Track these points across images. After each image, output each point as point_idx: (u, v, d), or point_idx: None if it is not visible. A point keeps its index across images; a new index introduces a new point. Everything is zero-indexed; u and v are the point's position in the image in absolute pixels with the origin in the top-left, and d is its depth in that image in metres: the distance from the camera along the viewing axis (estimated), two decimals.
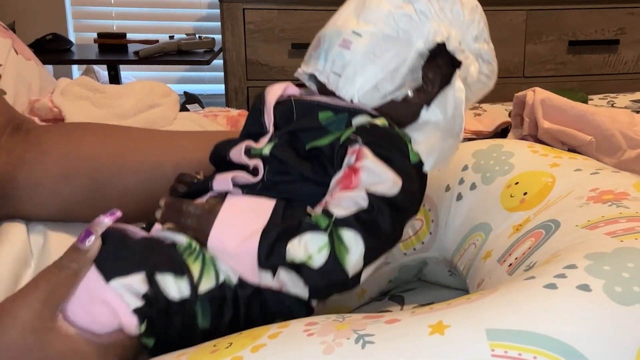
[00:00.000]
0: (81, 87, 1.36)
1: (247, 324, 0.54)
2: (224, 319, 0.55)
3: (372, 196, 0.55)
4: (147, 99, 1.39)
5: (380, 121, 0.60)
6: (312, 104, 0.63)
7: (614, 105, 1.49)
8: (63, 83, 1.36)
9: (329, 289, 0.56)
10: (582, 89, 1.80)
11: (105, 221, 0.54)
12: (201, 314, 0.54)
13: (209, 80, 2.88)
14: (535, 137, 1.12)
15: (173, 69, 2.84)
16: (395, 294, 0.83)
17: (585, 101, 1.36)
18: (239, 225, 0.55)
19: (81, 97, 1.34)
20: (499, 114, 1.38)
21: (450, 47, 0.64)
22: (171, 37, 2.43)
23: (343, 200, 0.55)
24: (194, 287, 0.54)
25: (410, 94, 0.63)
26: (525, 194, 0.71)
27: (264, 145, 0.60)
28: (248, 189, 0.59)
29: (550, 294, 0.47)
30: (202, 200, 0.60)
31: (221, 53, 2.32)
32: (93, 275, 0.53)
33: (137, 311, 0.53)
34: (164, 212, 0.58)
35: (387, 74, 0.62)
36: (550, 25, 2.27)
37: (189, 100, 2.32)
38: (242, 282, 0.55)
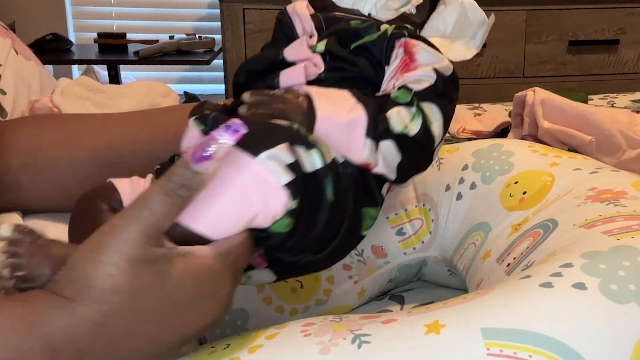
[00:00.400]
0: (81, 87, 1.36)
1: (354, 206, 0.54)
2: (342, 195, 0.53)
3: (436, 72, 0.59)
4: (147, 98, 1.39)
5: (409, 26, 0.64)
6: (336, 16, 0.65)
7: (614, 105, 1.49)
8: (63, 83, 1.36)
9: (418, 163, 0.60)
10: (582, 89, 1.80)
11: (229, 142, 0.44)
12: (330, 185, 0.51)
13: (209, 80, 2.88)
14: (535, 137, 1.12)
15: (173, 69, 2.84)
16: (395, 294, 0.83)
17: (585, 101, 1.36)
18: (334, 101, 0.55)
19: (81, 97, 1.34)
20: (499, 114, 1.38)
21: None
22: (171, 37, 2.43)
23: (413, 78, 0.59)
24: (322, 158, 0.51)
25: (413, 10, 0.68)
26: (524, 193, 0.71)
27: (316, 43, 0.61)
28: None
29: (546, 293, 0.47)
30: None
31: (221, 53, 2.32)
32: (235, 156, 0.46)
33: (287, 186, 0.48)
34: (253, 105, 0.53)
35: None
36: (550, 25, 2.27)
37: (189, 100, 2.32)
38: (346, 161, 0.54)
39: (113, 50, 2.46)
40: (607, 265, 0.49)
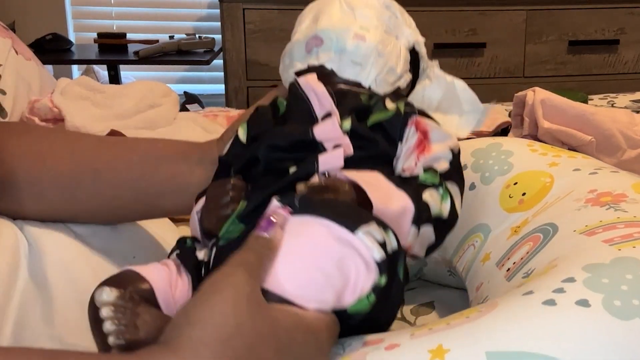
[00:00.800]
0: (81, 87, 1.36)
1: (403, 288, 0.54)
2: (405, 275, 0.54)
3: (451, 150, 0.63)
4: (147, 99, 1.39)
5: (409, 101, 0.67)
6: (343, 90, 0.67)
7: (614, 105, 1.49)
8: (63, 83, 1.36)
9: (442, 241, 0.61)
10: (582, 89, 1.80)
11: (283, 212, 0.50)
12: (401, 266, 0.52)
13: (209, 80, 2.88)
14: (535, 137, 1.11)
15: (173, 69, 2.84)
16: None
17: (585, 101, 1.36)
18: (379, 189, 0.56)
19: (81, 97, 1.34)
20: (499, 114, 1.38)
21: (422, 50, 0.74)
22: (171, 37, 2.43)
23: (433, 157, 0.61)
24: (397, 240, 0.52)
25: (405, 85, 0.72)
26: (523, 194, 0.71)
27: (341, 121, 0.62)
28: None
29: (550, 312, 0.46)
30: (315, 180, 0.57)
31: (221, 53, 2.32)
32: (333, 230, 0.48)
33: (379, 262, 0.49)
34: (309, 195, 0.54)
35: (395, 62, 0.70)
36: (550, 25, 2.27)
37: (189, 100, 2.32)
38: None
39: (113, 50, 2.45)
40: (610, 279, 0.48)
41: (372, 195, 0.55)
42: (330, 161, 0.59)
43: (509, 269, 0.62)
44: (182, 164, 0.74)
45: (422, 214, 0.57)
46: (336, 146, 0.61)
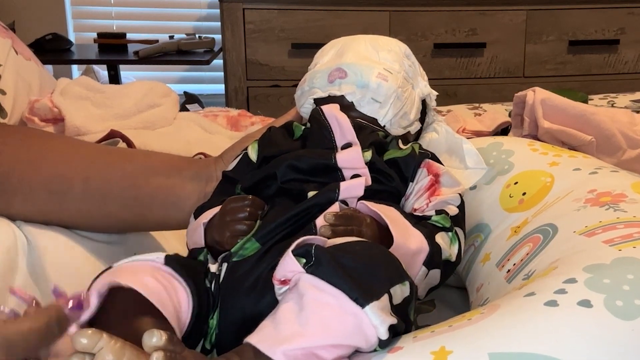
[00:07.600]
0: (81, 87, 1.36)
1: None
2: (415, 311, 0.54)
3: (459, 196, 0.66)
4: (146, 98, 1.39)
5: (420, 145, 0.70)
6: (362, 124, 0.70)
7: (614, 105, 1.49)
8: (63, 83, 1.36)
9: (443, 282, 0.63)
10: (582, 89, 1.80)
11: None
12: (412, 309, 0.53)
13: (209, 80, 2.87)
14: (535, 137, 1.11)
15: (173, 69, 2.84)
16: None
17: (585, 101, 1.36)
18: (399, 224, 0.58)
19: (81, 97, 1.34)
20: (499, 113, 1.38)
21: (432, 103, 0.79)
22: (171, 37, 2.42)
23: (445, 200, 0.64)
24: (411, 284, 0.52)
25: (413, 132, 0.76)
26: (524, 194, 0.71)
27: (363, 153, 0.65)
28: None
29: (551, 312, 0.46)
30: (336, 209, 0.58)
31: (221, 53, 2.32)
32: (342, 302, 0.47)
33: (382, 341, 0.49)
34: (333, 224, 0.55)
35: (409, 108, 0.74)
36: (550, 25, 2.27)
37: (189, 100, 2.32)
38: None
39: (113, 50, 2.45)
40: (611, 279, 0.48)
41: (394, 229, 0.57)
42: (352, 190, 0.61)
43: (509, 270, 0.62)
44: (174, 178, 0.74)
45: (434, 257, 0.59)
46: (355, 175, 0.62)
